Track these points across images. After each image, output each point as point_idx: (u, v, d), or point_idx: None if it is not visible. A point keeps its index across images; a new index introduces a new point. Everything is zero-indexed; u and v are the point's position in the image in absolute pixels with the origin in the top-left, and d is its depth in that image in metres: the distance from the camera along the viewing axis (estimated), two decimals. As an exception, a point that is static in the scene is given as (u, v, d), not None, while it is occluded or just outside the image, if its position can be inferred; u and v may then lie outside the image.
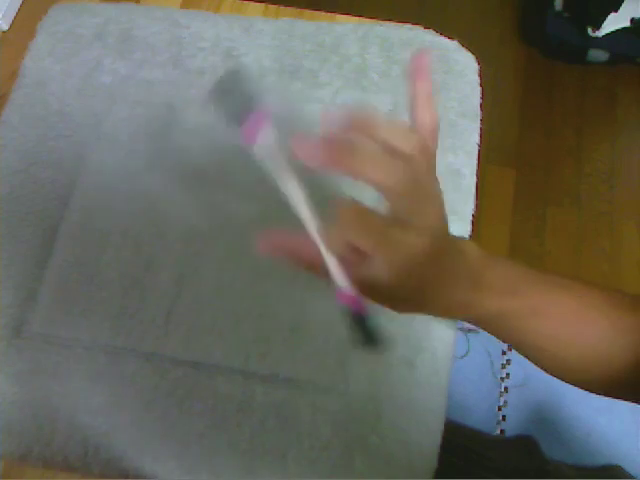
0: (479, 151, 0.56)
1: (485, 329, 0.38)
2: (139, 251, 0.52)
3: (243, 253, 0.52)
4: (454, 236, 0.34)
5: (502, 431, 1.04)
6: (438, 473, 0.45)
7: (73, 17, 0.62)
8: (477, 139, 0.56)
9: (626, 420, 1.00)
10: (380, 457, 0.46)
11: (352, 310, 0.32)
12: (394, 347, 0.45)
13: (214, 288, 0.51)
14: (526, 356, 0.40)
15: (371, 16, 0.64)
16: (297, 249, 0.34)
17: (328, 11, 0.65)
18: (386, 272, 0.30)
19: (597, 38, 1.39)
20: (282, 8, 0.65)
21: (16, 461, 0.47)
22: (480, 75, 0.59)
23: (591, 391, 0.40)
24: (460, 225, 0.53)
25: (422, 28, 0.62)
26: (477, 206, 0.54)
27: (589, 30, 1.39)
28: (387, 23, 0.63)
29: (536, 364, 0.40)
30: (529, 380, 1.06)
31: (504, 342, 0.40)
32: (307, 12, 0.65)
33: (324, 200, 0.30)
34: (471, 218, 0.54)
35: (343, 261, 0.31)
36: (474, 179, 0.55)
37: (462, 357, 1.07)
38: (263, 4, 0.66)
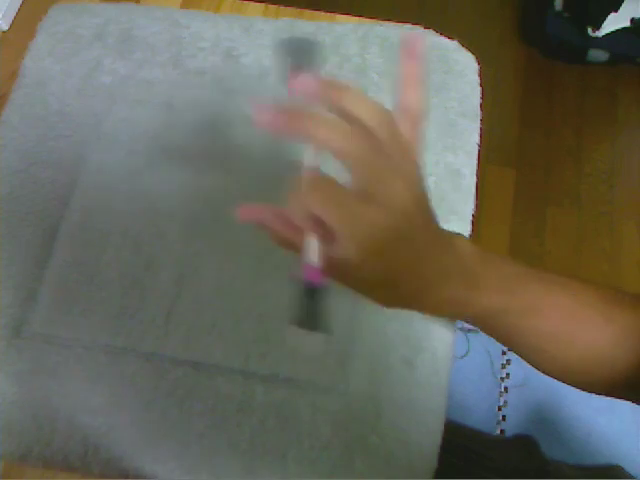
0: (479, 151, 0.56)
1: (481, 328, 0.37)
2: (139, 251, 0.52)
3: (243, 253, 0.52)
4: (445, 230, 0.33)
5: (502, 431, 1.04)
6: (438, 473, 0.45)
7: (73, 17, 0.62)
8: (477, 139, 0.56)
9: (626, 420, 1.00)
10: (380, 457, 0.46)
11: (307, 284, 0.31)
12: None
13: (214, 288, 0.51)
14: (527, 359, 0.40)
15: (371, 16, 0.64)
16: (274, 221, 0.33)
17: (328, 11, 0.65)
18: (350, 248, 0.29)
19: (597, 38, 1.39)
20: (282, 8, 0.65)
21: (16, 461, 0.47)
22: (480, 75, 0.59)
23: (594, 392, 0.40)
24: (460, 225, 0.53)
25: (422, 28, 0.62)
26: (477, 206, 0.54)
27: (589, 30, 1.39)
28: (387, 23, 0.63)
29: (537, 367, 0.40)
30: (529, 380, 1.06)
31: (501, 342, 0.40)
32: (307, 12, 0.65)
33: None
34: (471, 218, 0.54)
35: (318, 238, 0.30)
36: (474, 179, 0.55)
37: (462, 357, 1.07)
38: (263, 4, 0.66)
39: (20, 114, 0.58)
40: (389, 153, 0.29)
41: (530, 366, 0.40)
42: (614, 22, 1.37)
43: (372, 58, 0.59)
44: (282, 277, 0.51)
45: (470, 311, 0.34)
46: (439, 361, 0.48)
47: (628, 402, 0.40)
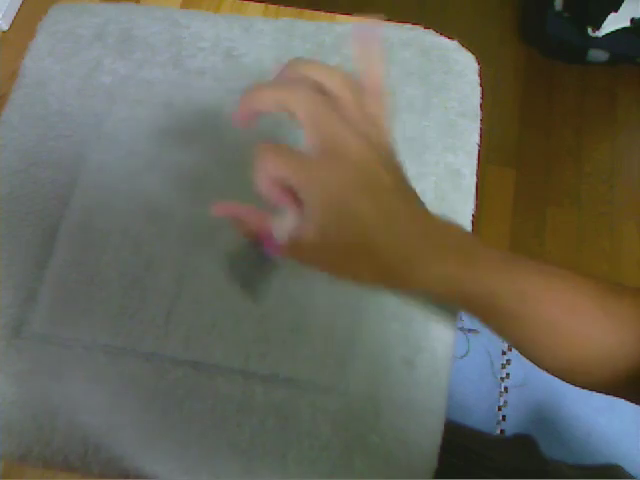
0: (479, 151, 0.56)
1: (475, 313, 0.36)
2: (139, 251, 0.52)
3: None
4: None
5: (502, 431, 1.04)
6: (438, 473, 0.45)
7: (73, 17, 0.62)
8: (477, 139, 0.56)
9: (626, 420, 1.00)
10: (380, 457, 0.46)
11: (266, 252, 0.33)
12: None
13: (214, 288, 0.51)
14: (523, 351, 0.40)
15: (371, 16, 0.64)
16: (244, 216, 0.35)
17: (328, 11, 0.65)
18: (315, 209, 0.30)
19: (597, 38, 1.39)
20: (282, 8, 0.65)
21: (16, 461, 0.47)
22: (480, 75, 0.59)
23: (594, 389, 0.40)
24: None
25: (422, 28, 0.62)
26: (477, 206, 0.54)
27: (589, 30, 1.39)
28: (387, 23, 0.63)
29: (533, 360, 0.40)
30: (529, 380, 1.06)
31: (495, 331, 0.39)
32: (307, 12, 0.65)
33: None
34: (471, 218, 0.54)
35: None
36: (474, 179, 0.55)
37: (462, 357, 1.07)
38: (263, 4, 0.66)
39: (20, 114, 0.58)
40: (352, 116, 0.30)
41: (529, 363, 0.40)
42: (614, 22, 1.37)
43: (372, 58, 0.59)
44: (282, 277, 0.51)
45: (466, 288, 0.33)
46: (439, 361, 0.48)
47: (628, 402, 0.39)
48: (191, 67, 0.60)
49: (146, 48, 0.61)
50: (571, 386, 0.41)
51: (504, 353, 1.09)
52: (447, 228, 0.34)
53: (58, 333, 0.50)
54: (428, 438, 0.46)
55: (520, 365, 1.07)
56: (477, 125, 0.57)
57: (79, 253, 0.52)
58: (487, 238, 1.25)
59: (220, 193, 0.54)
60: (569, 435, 1.01)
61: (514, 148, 1.39)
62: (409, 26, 0.62)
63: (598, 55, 1.43)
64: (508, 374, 1.08)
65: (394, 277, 0.33)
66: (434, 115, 0.57)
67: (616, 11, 1.34)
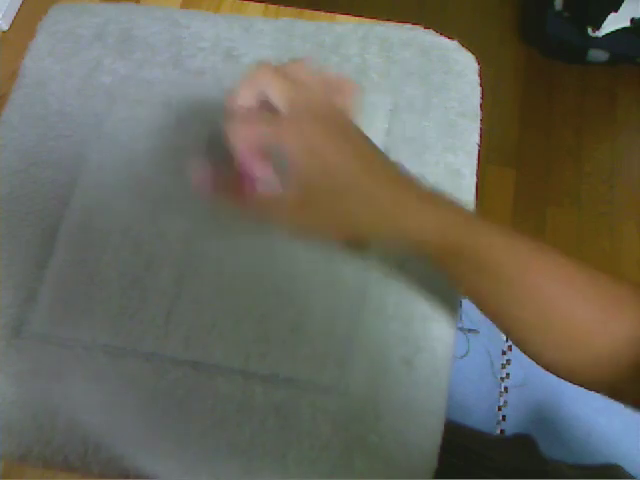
0: (479, 151, 0.56)
1: (454, 272, 0.37)
2: (139, 251, 0.52)
3: (243, 253, 0.52)
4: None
5: (502, 431, 1.04)
6: (438, 473, 0.45)
7: (73, 17, 0.62)
8: (477, 139, 0.56)
9: (626, 420, 1.00)
10: (380, 457, 0.46)
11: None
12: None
13: (214, 288, 0.51)
14: (516, 340, 0.40)
15: (371, 16, 0.64)
16: (227, 184, 0.38)
17: (328, 11, 0.65)
18: (302, 157, 0.33)
19: (597, 38, 1.40)
20: (282, 8, 0.65)
21: (16, 461, 0.47)
22: (480, 75, 0.59)
23: (595, 388, 0.40)
24: (460, 225, 0.53)
25: (422, 28, 0.62)
26: (477, 206, 0.54)
27: (589, 30, 1.39)
28: (387, 23, 0.63)
29: (512, 335, 0.39)
30: (529, 380, 1.06)
31: (477, 303, 0.39)
32: (307, 12, 0.65)
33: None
34: (471, 218, 0.54)
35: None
36: (474, 179, 0.55)
37: (462, 357, 1.07)
38: (263, 4, 0.66)
39: (20, 114, 0.58)
40: (317, 89, 0.35)
41: (529, 363, 0.40)
42: (614, 22, 1.38)
43: (372, 58, 0.59)
44: (282, 277, 0.51)
45: (452, 239, 0.35)
46: (439, 361, 0.48)
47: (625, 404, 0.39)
48: (191, 67, 0.60)
49: (146, 48, 0.61)
50: (571, 386, 0.41)
51: (504, 353, 1.09)
52: (431, 191, 0.38)
53: (58, 333, 0.50)
54: (428, 438, 0.46)
55: (520, 365, 1.07)
56: (477, 125, 0.57)
57: (79, 253, 0.52)
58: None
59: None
60: (569, 435, 1.01)
61: (514, 148, 1.39)
62: (409, 26, 0.62)
63: (598, 55, 1.43)
64: (508, 374, 1.08)
65: (385, 221, 0.36)
66: (434, 115, 0.57)
67: (616, 11, 1.34)
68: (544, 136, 1.40)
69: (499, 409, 1.05)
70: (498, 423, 1.04)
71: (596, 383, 0.38)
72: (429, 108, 0.57)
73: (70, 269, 0.52)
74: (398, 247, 0.37)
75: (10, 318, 0.50)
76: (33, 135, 0.57)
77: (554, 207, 1.32)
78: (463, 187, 0.54)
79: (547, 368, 0.40)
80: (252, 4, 0.66)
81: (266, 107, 0.36)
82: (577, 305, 0.37)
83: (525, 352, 0.40)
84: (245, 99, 0.36)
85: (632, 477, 0.76)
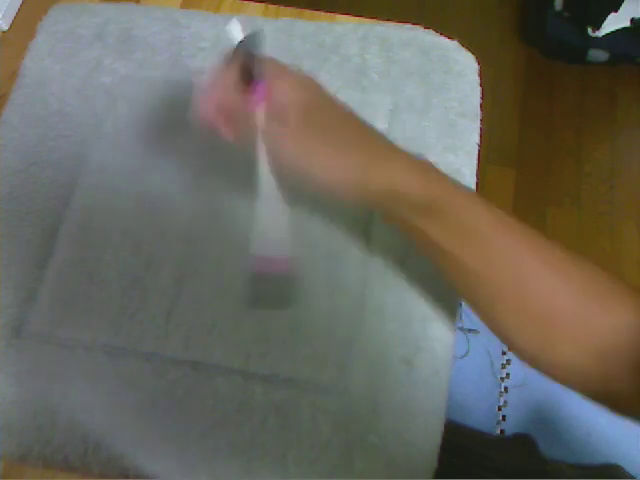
0: (479, 151, 0.56)
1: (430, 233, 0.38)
2: (139, 251, 0.52)
3: (243, 253, 0.52)
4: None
5: (502, 431, 1.04)
6: (438, 473, 0.45)
7: (73, 17, 0.62)
8: (477, 139, 0.56)
9: (626, 420, 1.00)
10: (380, 457, 0.46)
11: (264, 271, 0.39)
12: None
13: (214, 288, 0.51)
14: (488, 321, 0.39)
15: (371, 16, 0.64)
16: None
17: (328, 11, 0.65)
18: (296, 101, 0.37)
19: (597, 38, 1.39)
20: (282, 8, 0.65)
21: (16, 461, 0.47)
22: (480, 75, 0.59)
23: (578, 387, 0.39)
24: (460, 225, 0.53)
25: (422, 28, 0.62)
26: (477, 206, 0.54)
27: (589, 30, 1.39)
28: (387, 23, 0.63)
29: (504, 334, 0.39)
30: (529, 380, 1.06)
31: (454, 286, 0.40)
32: (307, 12, 0.65)
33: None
34: (471, 218, 0.54)
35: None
36: (474, 179, 0.55)
37: (462, 357, 1.07)
38: (263, 4, 0.66)
39: (20, 114, 0.58)
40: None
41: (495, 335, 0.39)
42: (614, 22, 1.37)
43: (372, 58, 0.59)
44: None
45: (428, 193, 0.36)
46: (439, 361, 0.48)
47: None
48: (191, 67, 0.60)
49: (146, 48, 0.61)
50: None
51: (504, 353, 1.09)
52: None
53: (58, 333, 0.50)
54: (428, 438, 0.46)
55: (520, 365, 1.07)
56: (477, 125, 0.57)
57: (79, 253, 0.52)
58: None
59: (221, 192, 0.54)
60: (569, 435, 1.01)
61: (514, 148, 1.39)
62: (409, 26, 0.62)
63: (598, 55, 1.43)
64: (508, 374, 1.08)
65: (376, 160, 0.37)
66: (434, 115, 0.57)
67: (616, 11, 1.34)
68: (544, 136, 1.40)
69: (499, 409, 1.05)
70: (498, 423, 1.04)
71: (583, 383, 0.37)
72: (429, 108, 0.57)
73: (70, 269, 0.52)
74: (378, 198, 0.37)
75: (10, 318, 0.50)
76: (33, 135, 0.57)
77: (554, 207, 1.32)
78: (463, 187, 0.54)
79: (527, 359, 0.39)
80: (252, 4, 0.66)
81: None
82: (558, 288, 0.36)
83: (499, 333, 0.39)
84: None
85: (632, 477, 0.75)
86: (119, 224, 0.53)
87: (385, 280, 0.50)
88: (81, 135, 0.57)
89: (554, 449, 0.94)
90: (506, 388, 1.07)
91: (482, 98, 0.58)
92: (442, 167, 0.55)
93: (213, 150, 0.56)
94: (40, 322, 0.50)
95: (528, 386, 1.06)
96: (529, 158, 1.37)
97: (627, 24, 1.38)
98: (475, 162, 0.55)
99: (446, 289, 0.50)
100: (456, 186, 0.39)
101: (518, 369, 1.07)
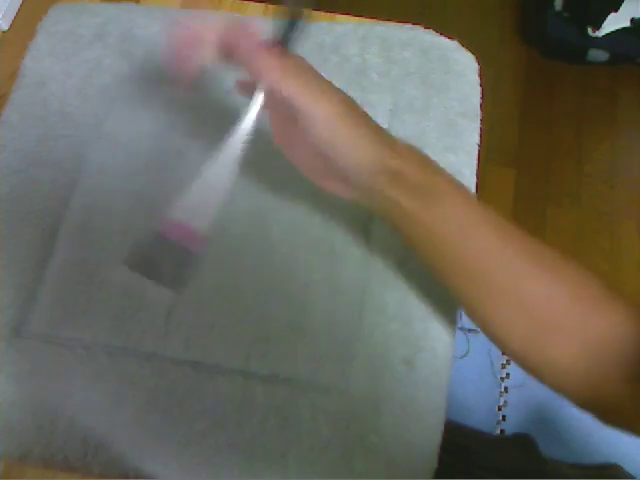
0: (479, 151, 0.56)
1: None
2: (139, 251, 0.52)
3: (243, 253, 0.52)
4: None
5: (502, 431, 1.04)
6: (438, 473, 0.45)
7: (73, 17, 0.62)
8: (477, 139, 0.56)
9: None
10: (380, 457, 0.46)
11: (168, 236, 0.35)
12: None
13: (214, 288, 0.51)
14: (479, 321, 0.39)
15: (371, 16, 0.64)
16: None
17: (328, 11, 0.65)
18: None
19: (597, 38, 1.40)
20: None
21: (16, 461, 0.47)
22: (480, 75, 0.59)
23: (572, 395, 0.39)
24: (460, 225, 0.53)
25: (422, 28, 0.62)
26: (477, 206, 0.54)
27: (589, 30, 1.39)
28: (387, 23, 0.63)
29: (494, 334, 0.39)
30: (529, 380, 1.05)
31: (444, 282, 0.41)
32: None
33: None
34: (471, 218, 0.54)
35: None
36: (474, 179, 0.55)
37: (462, 357, 1.07)
38: (263, 4, 0.66)
39: (20, 114, 0.58)
40: None
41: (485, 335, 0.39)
42: (614, 22, 1.38)
43: (372, 58, 0.59)
44: (282, 277, 0.51)
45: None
46: (439, 361, 0.48)
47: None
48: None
49: (146, 48, 0.60)
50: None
51: (504, 353, 1.09)
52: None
53: (58, 333, 0.50)
54: (428, 438, 0.46)
55: (520, 365, 1.07)
56: (477, 125, 0.57)
57: (79, 253, 0.52)
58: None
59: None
60: (569, 435, 1.01)
61: (514, 148, 1.39)
62: (409, 26, 0.62)
63: (598, 55, 1.43)
64: (508, 374, 1.08)
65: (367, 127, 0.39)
66: (434, 115, 0.57)
67: (616, 11, 1.34)
68: (544, 136, 1.40)
69: (499, 409, 1.05)
70: (498, 423, 1.04)
71: (573, 387, 0.37)
72: (429, 108, 0.57)
73: (70, 269, 0.52)
74: (384, 182, 0.38)
75: (10, 318, 0.50)
76: (33, 135, 0.57)
77: (554, 207, 1.32)
78: (463, 187, 0.54)
79: (517, 359, 0.39)
80: (252, 4, 0.66)
81: None
82: (551, 290, 0.36)
83: (488, 332, 0.39)
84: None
85: (632, 477, 0.75)
86: (119, 224, 0.53)
87: (385, 280, 0.50)
88: (81, 135, 0.57)
89: (554, 449, 0.94)
90: (506, 388, 1.07)
91: (482, 98, 0.58)
92: (442, 167, 0.55)
93: (212, 148, 0.56)
94: (40, 322, 0.50)
95: (528, 386, 1.06)
96: (529, 158, 1.37)
97: (627, 24, 1.38)
98: (475, 162, 0.55)
99: (446, 289, 0.50)
100: (456, 183, 0.39)
101: (518, 369, 1.07)
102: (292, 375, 0.48)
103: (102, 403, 0.48)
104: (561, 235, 1.29)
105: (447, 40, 0.61)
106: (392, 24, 0.62)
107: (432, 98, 0.57)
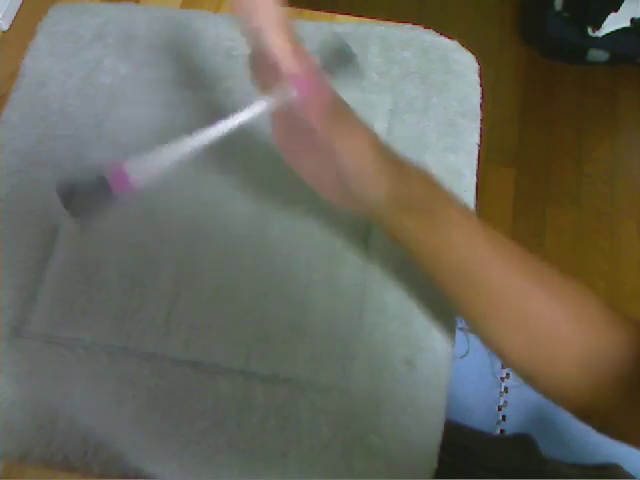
0: (479, 151, 0.56)
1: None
2: (139, 251, 0.52)
3: (243, 253, 0.52)
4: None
5: (502, 431, 1.04)
6: (438, 473, 0.45)
7: (73, 17, 0.62)
8: (477, 139, 0.56)
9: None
10: (380, 457, 0.46)
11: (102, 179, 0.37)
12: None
13: (214, 288, 0.51)
14: (485, 337, 0.39)
15: (371, 16, 0.64)
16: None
17: (328, 11, 0.65)
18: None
19: (597, 38, 1.40)
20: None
21: (16, 461, 0.47)
22: (480, 75, 0.59)
23: (580, 412, 0.39)
24: (460, 225, 0.53)
25: (422, 28, 0.62)
26: (477, 206, 0.54)
27: (589, 30, 1.39)
28: (387, 23, 0.63)
29: (500, 349, 0.39)
30: (529, 380, 1.05)
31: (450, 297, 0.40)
32: (307, 12, 0.65)
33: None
34: (471, 218, 0.54)
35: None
36: (474, 179, 0.55)
37: (462, 357, 1.07)
38: (263, 4, 0.65)
39: (20, 114, 0.58)
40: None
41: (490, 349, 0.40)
42: (614, 22, 1.38)
43: (372, 58, 0.59)
44: (282, 277, 0.51)
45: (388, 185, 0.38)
46: (439, 361, 0.48)
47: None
48: (191, 67, 0.60)
49: (146, 48, 0.61)
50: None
51: (504, 365, 1.09)
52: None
53: (58, 333, 0.50)
54: (428, 438, 0.46)
55: (520, 365, 1.07)
56: (477, 125, 0.57)
57: (79, 253, 0.52)
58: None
59: (221, 192, 0.54)
60: (569, 435, 1.01)
61: (514, 148, 1.39)
62: (409, 26, 0.62)
63: (598, 55, 1.43)
64: (508, 374, 1.08)
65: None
66: (434, 115, 0.57)
67: (616, 11, 1.34)
68: (544, 136, 1.40)
69: (499, 409, 1.05)
70: (498, 423, 1.04)
71: (572, 400, 0.38)
72: (429, 108, 0.57)
73: (70, 269, 0.52)
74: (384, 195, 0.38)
75: (10, 318, 0.50)
76: (33, 135, 0.57)
77: (554, 207, 1.32)
78: (463, 187, 0.54)
79: (517, 371, 0.40)
80: (252, 4, 0.66)
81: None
82: (551, 306, 0.37)
83: (490, 346, 0.40)
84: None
85: (632, 477, 0.75)
86: (119, 224, 0.53)
87: (385, 280, 0.50)
88: (81, 135, 0.57)
89: (554, 449, 0.94)
90: (506, 388, 1.07)
91: (482, 98, 0.58)
92: (442, 167, 0.55)
93: (213, 150, 0.56)
94: (40, 322, 0.50)
95: (528, 386, 1.06)
96: (529, 158, 1.37)
97: (627, 24, 1.39)
98: (475, 162, 0.55)
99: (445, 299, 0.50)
100: (461, 207, 0.40)
101: (518, 369, 1.07)
102: (292, 375, 0.48)
103: (102, 403, 0.48)
104: (561, 235, 1.29)
105: (447, 40, 0.61)
106: (392, 24, 0.62)
107: (432, 98, 0.57)
